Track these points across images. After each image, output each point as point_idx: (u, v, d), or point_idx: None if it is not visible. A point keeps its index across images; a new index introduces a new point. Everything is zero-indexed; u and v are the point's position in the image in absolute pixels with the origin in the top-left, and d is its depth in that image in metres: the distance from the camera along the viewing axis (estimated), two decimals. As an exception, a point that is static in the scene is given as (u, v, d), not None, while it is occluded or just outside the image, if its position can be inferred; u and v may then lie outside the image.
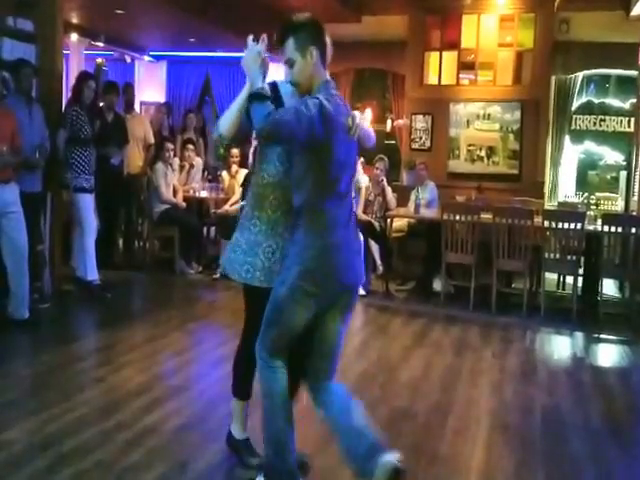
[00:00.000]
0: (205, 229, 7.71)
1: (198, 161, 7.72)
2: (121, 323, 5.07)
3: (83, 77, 5.84)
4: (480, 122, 8.50)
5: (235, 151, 7.66)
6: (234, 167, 7.59)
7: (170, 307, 5.82)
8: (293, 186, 2.47)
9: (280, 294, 2.45)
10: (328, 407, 2.56)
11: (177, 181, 7.17)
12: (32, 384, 3.78)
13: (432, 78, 8.78)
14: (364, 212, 7.06)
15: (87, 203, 5.61)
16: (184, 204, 7.05)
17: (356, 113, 2.59)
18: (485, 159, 8.49)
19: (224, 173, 7.67)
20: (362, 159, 7.54)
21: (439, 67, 8.67)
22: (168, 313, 5.53)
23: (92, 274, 5.62)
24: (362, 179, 7.49)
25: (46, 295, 5.37)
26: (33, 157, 4.87)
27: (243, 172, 7.46)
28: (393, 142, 9.77)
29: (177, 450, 2.97)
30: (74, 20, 8.22)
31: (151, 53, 10.36)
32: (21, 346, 4.55)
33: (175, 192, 7.04)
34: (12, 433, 3.06)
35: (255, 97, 2.39)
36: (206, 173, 8.11)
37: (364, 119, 2.76)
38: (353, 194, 7.55)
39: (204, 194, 7.48)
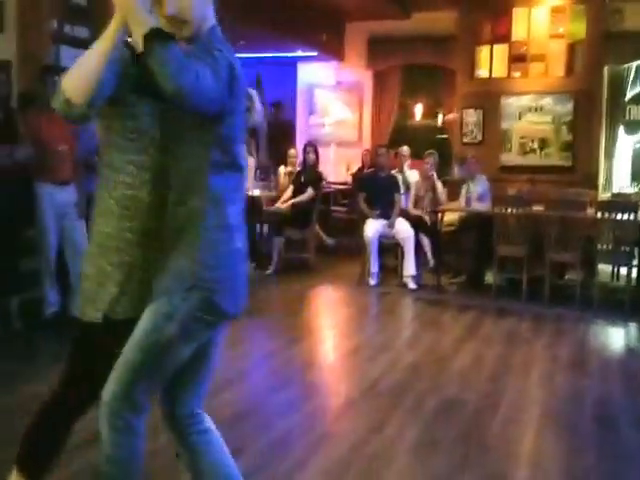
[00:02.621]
0: (258, 227, 7.87)
1: (250, 160, 7.89)
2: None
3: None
4: (532, 114, 8.39)
5: (294, 151, 7.82)
6: (289, 167, 7.75)
7: None
8: (178, 177, 1.81)
9: (167, 333, 1.77)
10: (206, 445, 2.03)
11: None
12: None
13: (483, 72, 8.73)
14: (415, 207, 7.11)
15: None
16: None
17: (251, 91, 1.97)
18: (538, 151, 8.38)
19: (281, 168, 7.80)
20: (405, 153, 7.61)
21: (490, 61, 8.61)
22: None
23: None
24: (411, 174, 7.53)
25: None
26: (91, 158, 5.07)
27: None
28: (444, 137, 9.76)
29: (230, 439, 2.97)
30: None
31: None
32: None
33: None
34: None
35: (157, 37, 1.60)
36: (258, 172, 8.28)
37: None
38: (402, 190, 7.63)
39: (257, 193, 7.65)
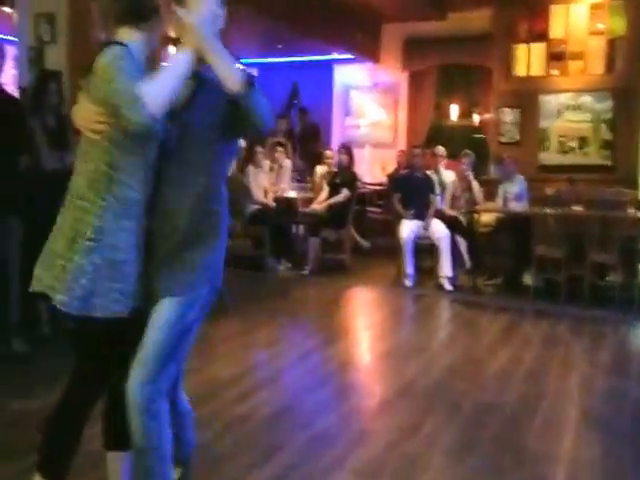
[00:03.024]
0: (294, 227, 7.93)
1: (287, 162, 7.96)
2: (215, 316, 5.27)
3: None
4: (571, 113, 8.27)
5: (330, 153, 7.90)
6: (325, 167, 7.81)
7: (260, 302, 5.99)
8: (202, 185, 2.01)
9: (189, 319, 2.02)
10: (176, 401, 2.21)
11: (267, 182, 7.44)
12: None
13: (520, 70, 8.62)
14: (450, 207, 7.07)
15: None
16: (274, 204, 7.29)
17: None
18: (577, 150, 8.26)
19: (318, 168, 7.86)
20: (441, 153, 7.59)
21: (527, 59, 8.51)
22: (259, 307, 5.71)
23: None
24: (447, 174, 7.49)
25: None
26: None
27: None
28: (481, 136, 9.67)
29: (267, 438, 3.06)
30: (172, 33, 8.68)
31: (242, 61, 10.72)
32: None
33: (265, 193, 7.31)
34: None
35: (252, 82, 1.89)
36: (295, 173, 8.35)
37: None
38: (438, 190, 7.61)
39: (292, 194, 7.71)
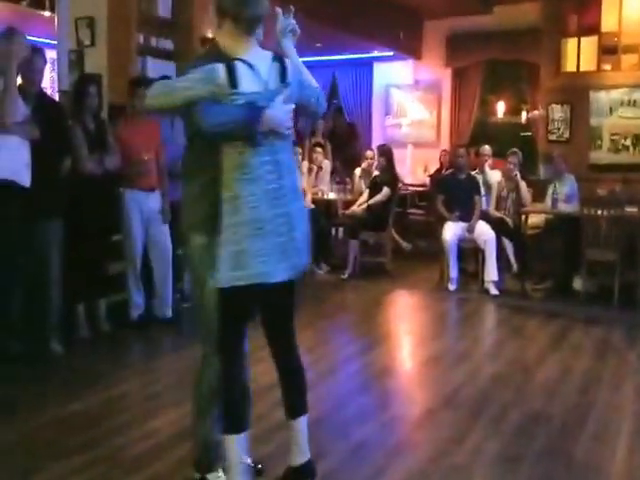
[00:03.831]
0: (334, 230, 7.83)
1: (326, 163, 7.88)
2: (255, 320, 5.26)
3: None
4: (625, 109, 7.96)
5: (370, 153, 7.80)
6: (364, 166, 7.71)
7: (299, 305, 5.96)
8: None
9: None
10: None
11: (306, 183, 7.36)
12: (176, 377, 3.95)
13: (570, 65, 8.35)
14: (496, 209, 6.86)
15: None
16: (313, 206, 7.21)
17: None
18: (631, 149, 7.95)
19: (357, 170, 7.76)
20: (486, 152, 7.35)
21: (577, 53, 8.24)
22: (298, 311, 5.67)
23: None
24: (493, 174, 7.27)
25: (187, 295, 5.70)
26: (175, 167, 5.17)
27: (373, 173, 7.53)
28: (529, 134, 9.42)
29: (309, 443, 3.03)
30: (210, 35, 8.70)
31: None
32: (166, 343, 4.85)
33: (304, 194, 7.23)
34: (158, 422, 3.27)
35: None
36: (334, 175, 8.25)
37: None
38: (483, 191, 7.35)
39: (332, 196, 7.62)
